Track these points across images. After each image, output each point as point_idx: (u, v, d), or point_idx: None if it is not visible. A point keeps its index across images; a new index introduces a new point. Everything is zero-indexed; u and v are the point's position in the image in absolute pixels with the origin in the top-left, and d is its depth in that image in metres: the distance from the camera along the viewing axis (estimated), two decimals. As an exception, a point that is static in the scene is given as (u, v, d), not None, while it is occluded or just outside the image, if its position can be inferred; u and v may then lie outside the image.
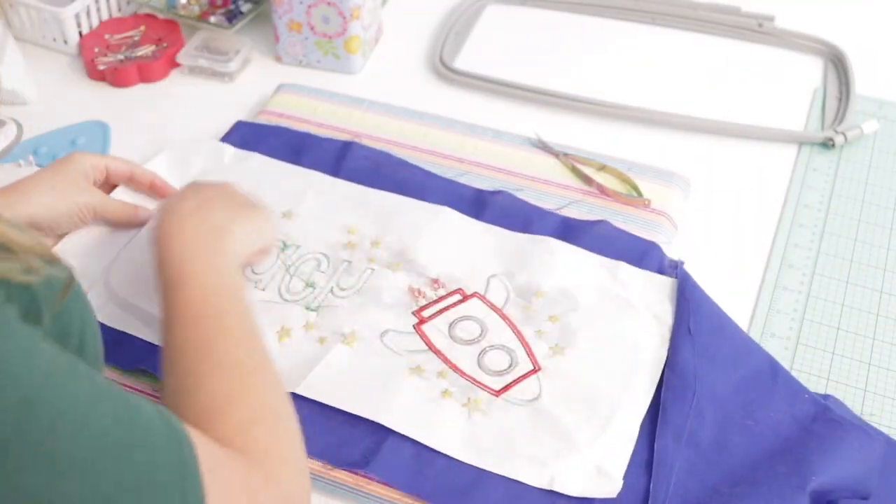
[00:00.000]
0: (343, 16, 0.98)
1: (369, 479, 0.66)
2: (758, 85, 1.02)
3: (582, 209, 0.85)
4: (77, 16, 1.04)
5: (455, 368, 0.72)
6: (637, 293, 0.77)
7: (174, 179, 0.87)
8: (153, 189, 0.84)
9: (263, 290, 0.78)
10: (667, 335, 0.74)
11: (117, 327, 0.75)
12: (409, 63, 1.05)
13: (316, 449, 0.67)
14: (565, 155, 0.91)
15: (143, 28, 1.06)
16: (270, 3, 1.00)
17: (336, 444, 0.67)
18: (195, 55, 1.03)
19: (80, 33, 1.05)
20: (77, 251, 0.80)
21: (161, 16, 1.08)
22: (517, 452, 0.67)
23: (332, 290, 0.78)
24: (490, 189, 0.86)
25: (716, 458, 0.67)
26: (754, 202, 0.88)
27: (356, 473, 0.66)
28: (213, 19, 1.06)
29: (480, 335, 0.75)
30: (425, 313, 0.76)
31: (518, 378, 0.71)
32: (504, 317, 0.76)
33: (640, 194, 0.86)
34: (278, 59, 1.05)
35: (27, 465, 0.40)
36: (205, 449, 0.48)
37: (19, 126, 0.93)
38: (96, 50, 1.03)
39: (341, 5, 0.97)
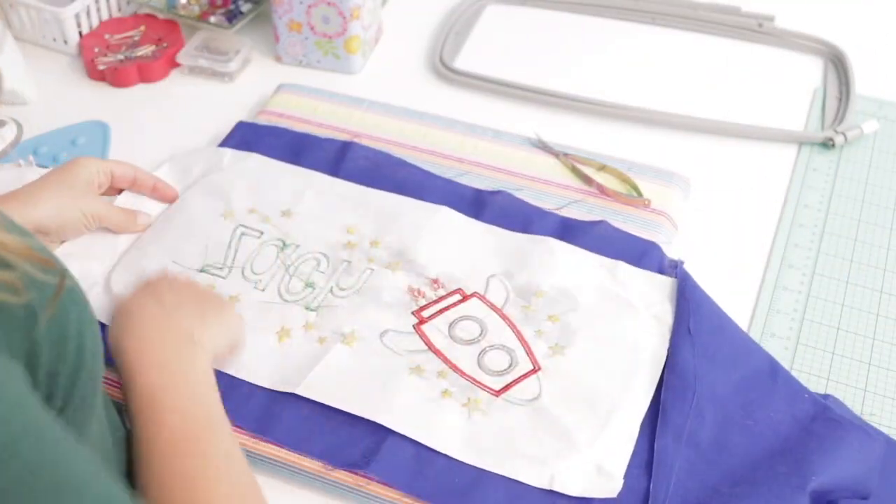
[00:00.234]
0: (343, 16, 0.98)
1: (369, 479, 0.66)
2: (758, 85, 1.02)
3: (582, 209, 0.85)
4: (77, 16, 1.04)
5: (455, 368, 0.72)
6: (637, 293, 0.77)
7: (176, 184, 0.87)
8: (155, 191, 0.84)
9: (263, 290, 0.78)
10: (667, 335, 0.74)
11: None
12: (409, 63, 1.05)
13: (316, 449, 0.67)
14: (565, 155, 0.91)
15: (143, 28, 1.06)
16: (270, 3, 1.00)
17: (336, 444, 0.67)
18: (195, 55, 1.03)
19: (80, 33, 1.05)
20: (78, 253, 0.80)
21: (161, 16, 1.08)
22: (517, 452, 0.67)
23: (331, 290, 0.78)
24: (490, 189, 0.86)
25: (716, 458, 0.67)
26: (754, 202, 0.88)
27: (356, 473, 0.66)
28: (213, 19, 1.06)
29: (480, 335, 0.75)
30: (425, 313, 0.76)
31: (518, 378, 0.71)
32: (504, 317, 0.76)
33: (640, 194, 0.86)
34: (278, 59, 1.05)
35: None
36: None
37: (19, 126, 0.93)
38: (96, 50, 1.03)
39: (341, 5, 0.97)
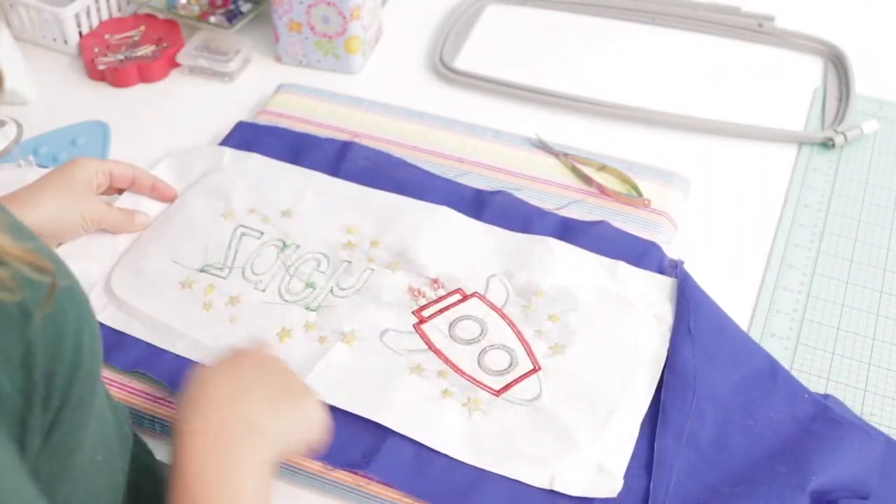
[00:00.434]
0: (343, 16, 0.98)
1: (369, 479, 0.66)
2: (758, 85, 1.02)
3: (582, 209, 0.85)
4: (77, 16, 1.04)
5: (455, 368, 0.72)
6: (637, 293, 0.77)
7: (176, 183, 0.87)
8: (154, 191, 0.84)
9: (263, 290, 0.78)
10: (667, 335, 0.74)
11: (118, 328, 0.75)
12: (409, 63, 1.05)
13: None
14: (565, 155, 0.91)
15: (143, 28, 1.06)
16: (270, 3, 1.00)
17: (336, 444, 0.67)
18: (195, 55, 1.03)
19: (80, 33, 1.05)
20: (77, 253, 0.80)
21: (161, 16, 1.08)
22: (517, 452, 0.67)
23: (331, 290, 0.78)
24: (490, 189, 0.86)
25: (716, 458, 0.67)
26: (754, 202, 0.88)
27: (356, 473, 0.66)
28: (213, 19, 1.06)
29: (480, 335, 0.75)
30: (425, 313, 0.76)
31: (518, 377, 0.71)
32: (504, 316, 0.76)
33: (640, 194, 0.86)
34: (278, 59, 1.05)
35: None
36: None
37: (19, 126, 0.93)
38: (96, 50, 1.03)
39: (341, 5, 0.97)
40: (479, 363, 0.73)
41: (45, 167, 0.89)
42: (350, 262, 0.80)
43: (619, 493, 0.65)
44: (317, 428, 0.63)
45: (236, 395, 0.60)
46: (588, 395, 0.70)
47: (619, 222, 0.83)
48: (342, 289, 0.78)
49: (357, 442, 0.67)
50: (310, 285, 0.78)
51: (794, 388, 0.71)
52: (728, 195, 0.89)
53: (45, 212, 0.76)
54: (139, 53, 1.03)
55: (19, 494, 0.42)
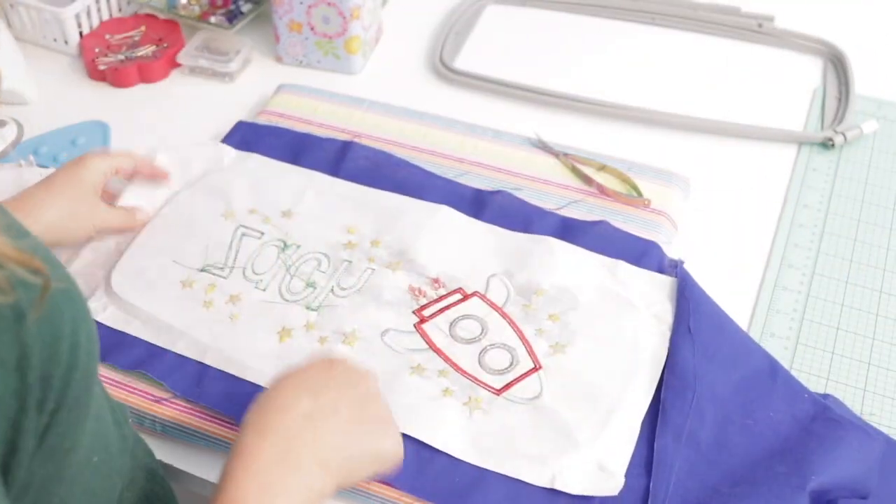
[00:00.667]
0: (343, 16, 0.98)
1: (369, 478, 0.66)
2: (758, 85, 1.02)
3: (582, 209, 0.85)
4: (77, 16, 1.04)
5: (456, 367, 0.72)
6: (637, 292, 0.77)
7: (175, 180, 0.87)
8: (152, 175, 0.85)
9: (264, 290, 0.78)
10: (667, 334, 0.74)
11: (118, 328, 0.75)
12: (409, 63, 1.06)
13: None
14: (565, 155, 0.91)
15: (143, 28, 1.06)
16: (271, 3, 1.00)
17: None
18: (195, 55, 1.03)
19: (81, 33, 1.05)
20: (78, 253, 0.80)
21: (161, 16, 1.08)
22: (518, 451, 0.67)
23: (332, 290, 0.78)
24: (490, 189, 0.87)
25: (716, 457, 0.67)
26: (754, 202, 0.88)
27: (357, 473, 0.66)
28: (213, 19, 1.06)
29: (481, 334, 0.75)
30: (426, 312, 0.76)
31: (519, 376, 0.72)
32: (504, 315, 0.76)
33: (640, 194, 0.86)
34: (278, 59, 1.05)
35: None
36: None
37: (20, 126, 0.93)
38: (97, 50, 1.03)
39: (341, 5, 0.97)
40: (479, 362, 0.73)
41: (46, 167, 0.89)
42: (350, 262, 0.80)
43: (619, 493, 0.65)
44: (389, 462, 0.60)
45: (310, 425, 0.56)
46: (588, 393, 0.70)
47: (619, 222, 0.83)
48: (343, 288, 0.78)
49: (358, 441, 0.67)
50: (310, 285, 0.78)
51: (794, 388, 0.71)
52: (728, 195, 0.89)
53: (51, 217, 0.75)
54: (139, 53, 1.03)
55: None
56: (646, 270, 0.79)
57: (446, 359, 0.73)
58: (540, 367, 0.72)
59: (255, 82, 1.03)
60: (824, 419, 0.69)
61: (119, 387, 0.72)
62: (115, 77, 1.01)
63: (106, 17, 1.08)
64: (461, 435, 0.68)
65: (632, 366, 0.72)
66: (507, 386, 0.71)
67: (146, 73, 1.02)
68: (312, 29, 1.00)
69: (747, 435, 0.69)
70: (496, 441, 0.68)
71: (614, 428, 0.68)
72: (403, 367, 0.72)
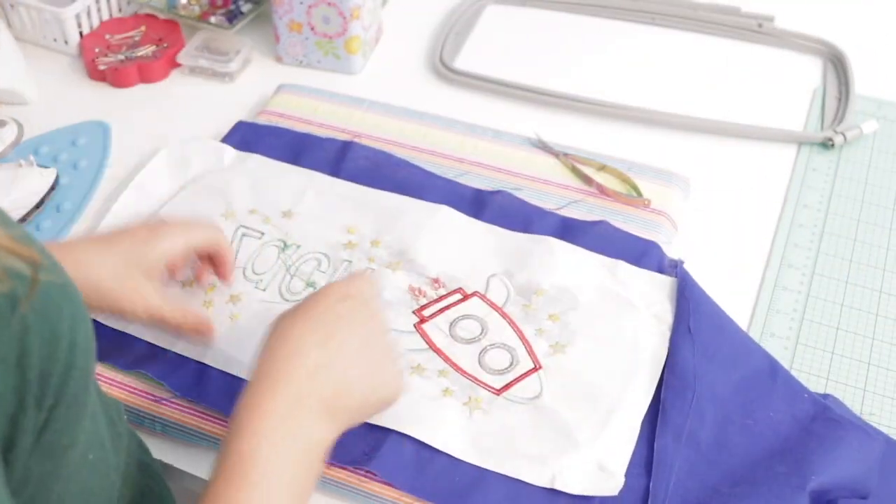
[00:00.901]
0: (343, 16, 0.98)
1: (370, 478, 0.66)
2: (758, 85, 1.02)
3: (582, 209, 0.86)
4: (77, 16, 1.04)
5: (456, 367, 0.72)
6: (637, 292, 0.77)
7: (173, 179, 0.87)
8: (223, 266, 0.76)
9: (264, 290, 0.78)
10: (667, 334, 0.74)
11: (118, 328, 0.75)
12: (409, 63, 1.06)
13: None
14: (565, 155, 0.91)
15: (143, 28, 1.06)
16: (271, 3, 1.00)
17: (337, 443, 0.67)
18: (195, 55, 1.03)
19: (81, 33, 1.05)
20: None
21: (161, 16, 1.08)
22: (518, 451, 0.67)
23: (332, 290, 0.78)
24: (490, 189, 0.87)
25: (716, 457, 0.67)
26: (754, 202, 0.88)
27: (357, 472, 0.66)
28: (213, 19, 1.06)
29: (481, 334, 0.75)
30: (426, 312, 0.76)
31: (519, 376, 0.72)
32: (504, 315, 0.76)
33: (639, 194, 0.86)
34: (278, 59, 1.05)
35: None
36: None
37: (20, 126, 0.93)
38: (97, 50, 1.03)
39: (341, 5, 0.97)
40: (479, 362, 0.73)
41: (46, 167, 0.89)
42: (351, 262, 0.80)
43: (619, 493, 0.65)
44: (391, 401, 0.62)
45: (317, 371, 0.57)
46: (588, 393, 0.70)
47: (619, 222, 0.83)
48: (343, 288, 0.78)
49: (358, 441, 0.67)
50: (310, 285, 0.78)
51: (794, 388, 0.71)
52: (728, 195, 0.89)
53: (98, 277, 0.68)
54: (139, 53, 1.03)
55: None
56: (646, 270, 0.79)
57: (446, 359, 0.73)
58: (540, 367, 0.72)
59: (255, 82, 1.03)
60: (824, 419, 0.69)
61: (119, 387, 0.72)
62: (115, 77, 1.01)
63: (106, 17, 1.08)
64: (461, 435, 0.68)
65: (632, 366, 0.72)
66: (507, 386, 0.71)
67: (146, 73, 1.02)
68: (312, 29, 1.00)
69: (747, 435, 0.69)
70: (496, 441, 0.68)
71: (614, 428, 0.68)
72: (403, 367, 0.72)
